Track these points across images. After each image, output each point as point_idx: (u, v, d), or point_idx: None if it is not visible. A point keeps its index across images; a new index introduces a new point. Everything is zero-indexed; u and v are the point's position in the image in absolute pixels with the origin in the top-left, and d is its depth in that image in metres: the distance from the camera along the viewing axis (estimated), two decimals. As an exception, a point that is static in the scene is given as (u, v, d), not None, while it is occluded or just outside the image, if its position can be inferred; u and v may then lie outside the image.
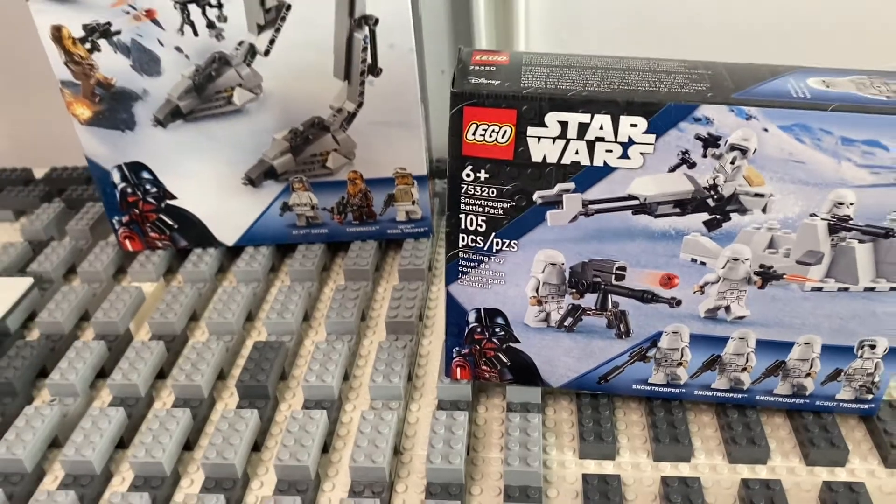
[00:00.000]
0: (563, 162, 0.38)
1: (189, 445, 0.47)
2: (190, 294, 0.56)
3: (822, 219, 0.38)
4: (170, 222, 0.60)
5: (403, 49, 0.53)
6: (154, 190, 0.58)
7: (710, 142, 0.37)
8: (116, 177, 0.57)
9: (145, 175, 0.57)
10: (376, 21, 0.51)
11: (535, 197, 0.39)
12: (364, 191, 0.59)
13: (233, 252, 0.63)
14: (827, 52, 0.67)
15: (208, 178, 0.57)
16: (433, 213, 0.62)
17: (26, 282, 0.58)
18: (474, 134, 0.38)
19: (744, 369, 0.44)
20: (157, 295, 0.60)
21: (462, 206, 0.40)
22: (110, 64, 0.53)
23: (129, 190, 0.58)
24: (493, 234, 0.41)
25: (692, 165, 0.37)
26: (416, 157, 0.57)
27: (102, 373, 0.53)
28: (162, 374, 0.52)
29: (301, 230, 0.60)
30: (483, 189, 0.40)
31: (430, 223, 0.61)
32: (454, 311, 0.44)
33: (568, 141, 0.37)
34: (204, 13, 0.51)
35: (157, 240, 0.61)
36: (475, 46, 0.68)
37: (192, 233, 0.60)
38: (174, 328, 0.54)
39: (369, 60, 0.53)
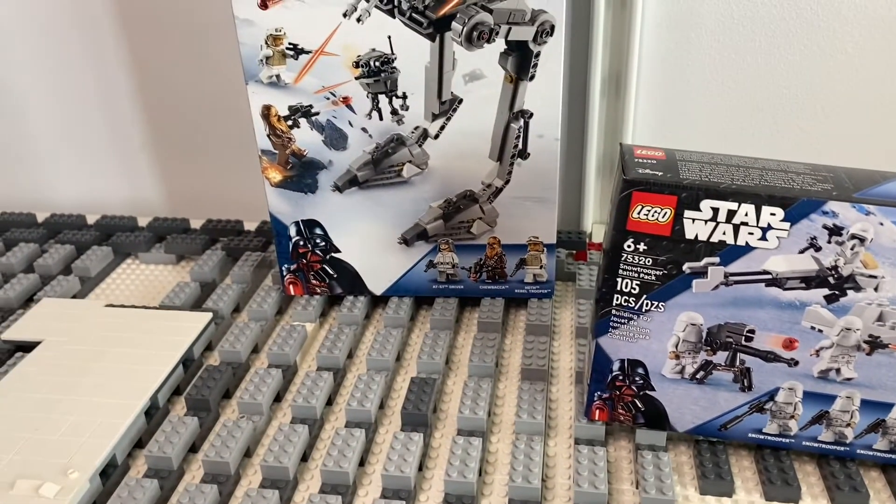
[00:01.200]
0: (711, 240, 0.47)
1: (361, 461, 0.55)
2: (348, 335, 0.66)
3: (926, 299, 0.46)
4: (331, 272, 0.69)
5: (550, 139, 0.63)
6: (323, 244, 0.68)
7: (835, 231, 0.45)
8: (293, 231, 0.67)
9: (318, 231, 0.67)
10: (531, 115, 0.62)
11: (684, 267, 0.48)
12: (500, 254, 0.68)
13: (376, 300, 0.72)
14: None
15: (370, 236, 0.67)
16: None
17: (206, 316, 0.68)
18: (639, 213, 0.47)
19: (848, 425, 0.51)
20: (314, 334, 0.69)
21: (620, 271, 0.49)
22: (305, 138, 0.63)
23: (302, 243, 0.68)
24: (645, 296, 0.49)
25: (818, 249, 0.46)
26: (548, 228, 0.67)
27: (278, 397, 0.61)
28: (330, 401, 0.61)
29: (440, 285, 0.70)
30: (640, 258, 0.49)
31: (553, 285, 0.70)
32: (601, 359, 0.52)
33: (717, 223, 0.46)
34: (390, 102, 0.62)
35: (317, 286, 0.70)
36: (587, 137, 0.79)
37: (347, 282, 0.70)
38: (338, 362, 0.63)
39: (520, 146, 0.63)
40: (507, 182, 0.65)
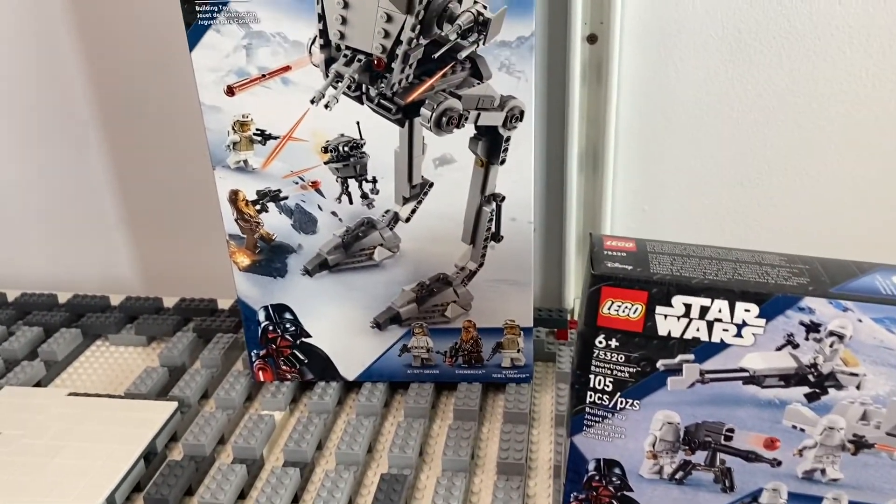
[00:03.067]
0: (685, 337, 0.45)
1: (327, 568, 0.52)
2: (317, 425, 0.63)
3: (910, 398, 0.44)
4: (301, 357, 0.67)
5: (523, 222, 0.61)
6: (293, 328, 0.66)
7: (812, 328, 0.44)
8: (262, 315, 0.66)
9: (287, 315, 0.65)
10: (503, 198, 0.61)
11: (658, 364, 0.46)
12: (475, 338, 0.66)
13: (349, 386, 0.70)
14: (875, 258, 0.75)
15: (341, 320, 0.65)
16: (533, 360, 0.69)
17: (171, 406, 0.65)
18: (609, 309, 0.46)
19: (837, 527, 0.49)
20: (283, 423, 0.67)
21: (592, 368, 0.47)
22: (274, 222, 0.62)
23: (271, 327, 0.66)
24: (619, 393, 0.47)
25: (796, 346, 0.44)
26: (524, 311, 0.65)
27: (242, 494, 0.59)
28: (296, 499, 0.58)
29: (415, 370, 0.68)
30: (613, 355, 0.47)
31: (531, 370, 0.67)
32: (576, 458, 0.50)
33: (690, 320, 0.45)
34: (360, 186, 0.60)
35: (287, 372, 0.68)
36: (566, 212, 0.78)
37: (319, 367, 0.68)
38: (305, 456, 0.61)
39: (493, 229, 0.62)
40: (480, 265, 0.63)
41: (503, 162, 0.59)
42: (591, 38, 0.72)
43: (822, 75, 0.71)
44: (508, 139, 0.58)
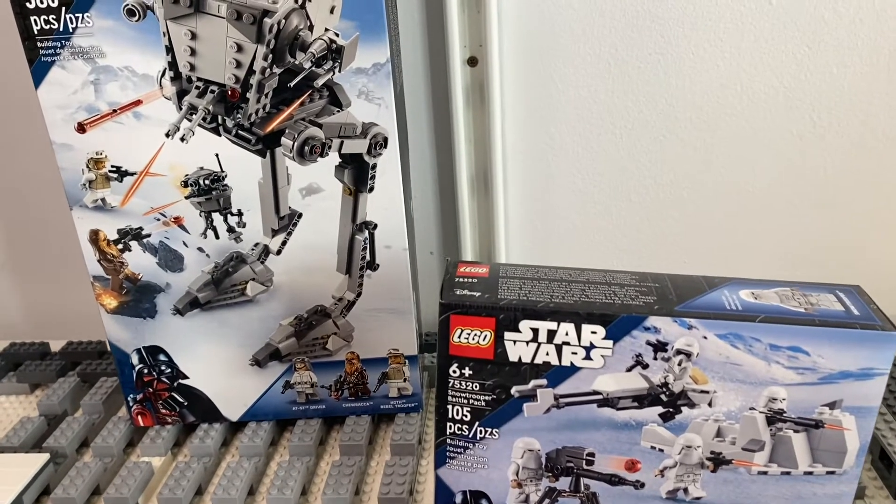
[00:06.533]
0: (535, 362, 0.44)
1: None
2: (196, 469, 0.60)
3: (760, 412, 0.44)
4: (180, 399, 0.65)
5: (398, 248, 0.60)
6: (168, 370, 0.63)
7: (659, 347, 0.43)
8: (135, 359, 0.63)
9: (161, 357, 0.63)
10: (375, 226, 0.59)
11: (512, 391, 0.45)
12: (360, 370, 0.65)
13: (235, 426, 0.67)
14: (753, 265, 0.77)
15: (218, 359, 0.63)
16: (423, 388, 0.67)
17: (42, 458, 0.62)
18: (459, 337, 0.44)
19: (707, 546, 0.48)
20: (164, 469, 0.64)
21: (449, 398, 0.46)
22: (139, 261, 0.60)
23: (146, 370, 0.63)
24: (477, 423, 0.46)
25: (645, 366, 0.44)
26: (407, 339, 0.64)
27: (110, 549, 0.56)
28: (167, 550, 0.56)
29: (300, 406, 0.66)
30: (467, 384, 0.45)
31: (420, 398, 0.66)
32: (442, 492, 0.48)
33: (539, 344, 0.44)
34: (226, 220, 0.59)
35: (167, 415, 0.65)
36: (461, 234, 0.77)
37: (200, 409, 0.65)
38: (181, 503, 0.58)
39: (368, 258, 0.60)
40: (358, 295, 0.62)
41: (371, 189, 0.58)
42: (472, 61, 0.72)
43: (699, 89, 0.72)
44: (374, 166, 0.57)
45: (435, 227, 0.80)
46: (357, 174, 0.58)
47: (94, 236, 0.59)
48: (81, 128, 0.55)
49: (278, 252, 0.60)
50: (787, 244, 0.77)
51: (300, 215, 0.59)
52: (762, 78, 0.71)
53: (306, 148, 0.56)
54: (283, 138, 0.56)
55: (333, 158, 0.57)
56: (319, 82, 0.55)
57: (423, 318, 0.80)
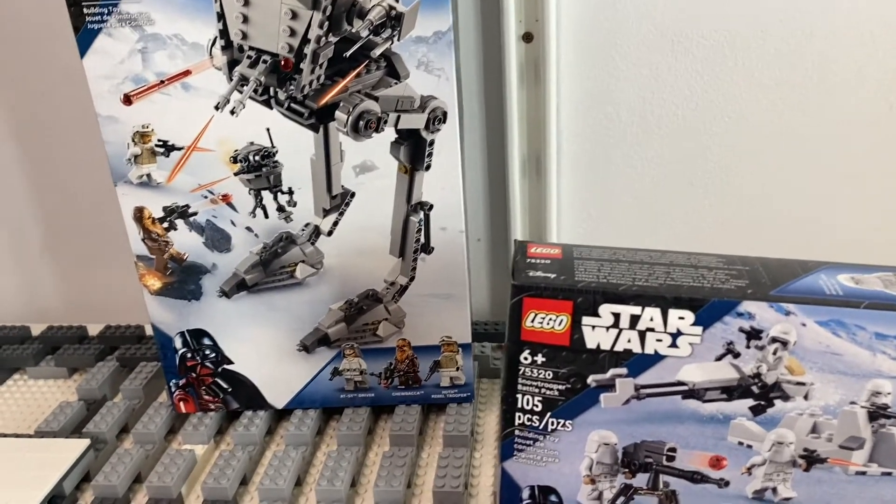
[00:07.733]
0: (616, 349, 0.41)
1: None
2: (241, 458, 0.58)
3: (862, 406, 0.40)
4: (224, 385, 0.62)
5: (454, 231, 0.57)
6: (213, 355, 0.61)
7: (753, 335, 0.40)
8: (178, 342, 0.61)
9: (206, 341, 0.61)
10: (430, 207, 0.56)
11: (589, 380, 0.42)
12: (411, 357, 0.62)
13: (280, 414, 0.65)
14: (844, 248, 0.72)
15: (265, 344, 0.61)
16: (475, 377, 0.64)
17: (83, 443, 0.60)
18: (532, 321, 0.41)
19: (793, 550, 0.44)
20: (207, 457, 0.61)
21: (519, 387, 0.43)
22: (184, 241, 0.57)
23: (189, 355, 0.61)
24: (549, 414, 0.43)
25: (737, 355, 0.40)
26: (461, 326, 0.61)
27: (154, 539, 0.54)
28: (213, 542, 0.53)
29: (349, 394, 0.63)
30: (540, 372, 0.42)
31: (472, 388, 0.63)
32: (508, 487, 0.45)
33: (620, 330, 0.41)
34: (275, 198, 0.56)
35: (210, 402, 0.63)
36: (511, 220, 0.74)
37: (244, 396, 0.63)
38: (226, 493, 0.56)
39: (422, 240, 0.57)
40: (411, 279, 0.59)
41: (428, 167, 0.55)
42: (527, 37, 0.68)
43: (766, 71, 0.68)
44: (432, 143, 0.54)
45: (483, 213, 0.77)
46: (413, 151, 0.55)
47: (139, 214, 0.57)
48: (128, 99, 0.53)
49: (329, 233, 0.57)
50: (885, 231, 0.72)
51: (353, 194, 0.56)
52: (837, 53, 0.67)
53: (361, 123, 0.53)
54: (337, 112, 0.53)
55: (389, 134, 0.54)
56: (377, 52, 0.52)
57: (473, 309, 0.77)
